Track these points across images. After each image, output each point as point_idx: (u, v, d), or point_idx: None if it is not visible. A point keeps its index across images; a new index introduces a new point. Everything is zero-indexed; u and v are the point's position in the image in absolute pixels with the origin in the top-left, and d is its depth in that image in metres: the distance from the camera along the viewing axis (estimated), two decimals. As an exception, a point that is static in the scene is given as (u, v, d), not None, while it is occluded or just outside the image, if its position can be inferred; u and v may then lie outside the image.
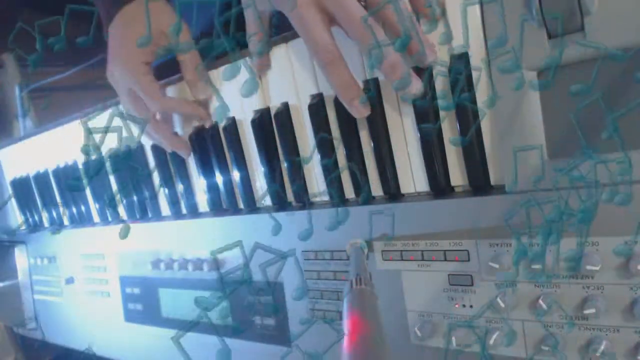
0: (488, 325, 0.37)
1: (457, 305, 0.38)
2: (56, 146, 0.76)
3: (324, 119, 0.45)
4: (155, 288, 0.62)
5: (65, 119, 0.73)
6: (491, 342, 0.36)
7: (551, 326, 0.34)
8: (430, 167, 0.40)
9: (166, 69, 0.56)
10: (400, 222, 0.40)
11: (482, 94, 0.36)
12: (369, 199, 0.44)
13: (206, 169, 0.56)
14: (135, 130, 0.52)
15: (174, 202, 0.60)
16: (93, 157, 0.67)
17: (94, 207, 0.72)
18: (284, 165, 0.49)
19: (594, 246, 0.32)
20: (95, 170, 0.64)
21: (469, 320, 0.36)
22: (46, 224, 0.83)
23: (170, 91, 0.58)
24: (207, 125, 0.54)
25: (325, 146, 0.45)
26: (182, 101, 0.55)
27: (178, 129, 0.58)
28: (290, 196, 0.49)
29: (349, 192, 0.45)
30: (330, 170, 0.45)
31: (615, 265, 0.31)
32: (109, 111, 0.63)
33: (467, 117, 0.37)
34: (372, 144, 0.42)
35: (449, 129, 0.39)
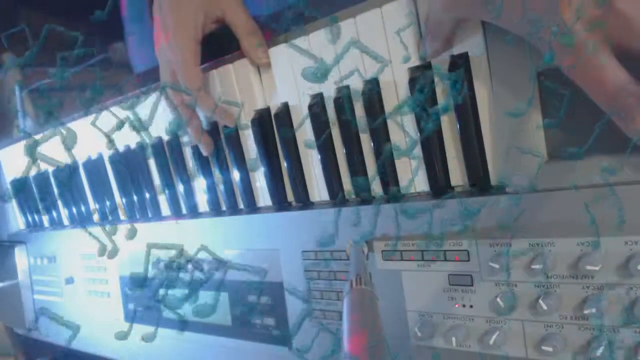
0: (488, 325, 0.37)
1: (457, 305, 0.38)
2: (56, 146, 0.76)
3: (324, 119, 0.45)
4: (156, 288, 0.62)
5: (65, 119, 0.72)
6: (491, 342, 0.36)
7: (551, 326, 0.34)
8: (430, 167, 0.40)
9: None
10: (400, 222, 0.40)
11: (482, 95, 0.36)
12: (369, 199, 0.44)
13: (206, 169, 0.56)
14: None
15: (174, 202, 0.60)
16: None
17: (94, 207, 0.72)
18: (284, 165, 0.49)
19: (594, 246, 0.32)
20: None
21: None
22: (46, 224, 0.83)
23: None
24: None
25: (325, 146, 0.45)
26: (213, 103, 0.51)
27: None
28: (290, 196, 0.50)
29: (349, 192, 0.45)
30: (330, 170, 0.45)
31: (615, 265, 0.31)
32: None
33: (468, 117, 0.37)
34: (372, 144, 0.42)
35: (449, 129, 0.39)
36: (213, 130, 0.54)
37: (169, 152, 0.59)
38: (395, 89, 0.41)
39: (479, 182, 0.38)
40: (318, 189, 0.47)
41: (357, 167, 0.44)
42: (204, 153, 0.54)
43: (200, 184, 0.57)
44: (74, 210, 0.75)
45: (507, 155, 0.35)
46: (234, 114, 0.51)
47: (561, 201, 0.32)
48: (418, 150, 0.40)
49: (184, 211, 0.60)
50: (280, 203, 0.51)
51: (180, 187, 0.59)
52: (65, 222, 0.79)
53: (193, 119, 0.53)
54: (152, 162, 0.62)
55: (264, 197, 0.52)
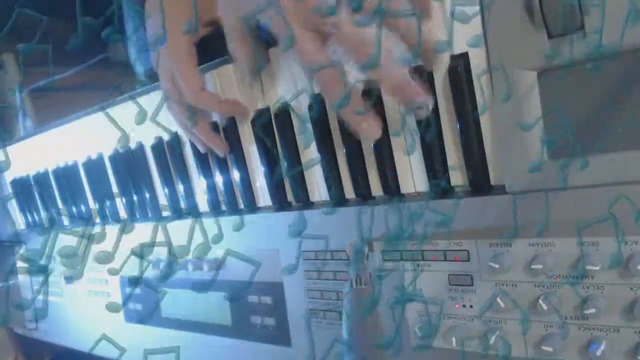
0: (488, 325, 0.37)
1: (457, 305, 0.38)
2: (56, 146, 0.76)
3: (324, 119, 0.45)
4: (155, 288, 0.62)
5: (65, 119, 0.73)
6: (491, 342, 0.36)
7: (551, 326, 0.34)
8: (430, 167, 0.40)
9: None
10: (399, 222, 0.40)
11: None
12: (369, 199, 0.44)
13: (206, 169, 0.56)
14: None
15: (174, 202, 0.60)
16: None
17: (94, 207, 0.72)
18: (284, 165, 0.49)
19: (594, 246, 0.32)
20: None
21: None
22: (46, 224, 0.83)
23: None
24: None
25: (325, 146, 0.45)
26: (219, 99, 0.51)
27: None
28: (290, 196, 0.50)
29: (349, 192, 0.45)
30: (330, 170, 0.45)
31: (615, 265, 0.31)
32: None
33: (468, 116, 0.37)
34: (372, 144, 0.42)
35: (449, 128, 0.39)
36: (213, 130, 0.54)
37: (169, 152, 0.59)
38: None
39: (479, 182, 0.38)
40: (318, 189, 0.47)
41: (357, 166, 0.44)
42: (221, 154, 0.53)
43: (200, 184, 0.57)
44: (74, 210, 0.75)
45: (507, 155, 0.35)
46: (240, 103, 0.51)
47: (561, 201, 0.32)
48: (418, 150, 0.40)
49: (184, 211, 0.60)
50: (280, 203, 0.50)
51: (180, 187, 0.59)
52: (66, 222, 0.79)
53: (200, 122, 0.52)
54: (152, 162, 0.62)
55: (264, 197, 0.52)
